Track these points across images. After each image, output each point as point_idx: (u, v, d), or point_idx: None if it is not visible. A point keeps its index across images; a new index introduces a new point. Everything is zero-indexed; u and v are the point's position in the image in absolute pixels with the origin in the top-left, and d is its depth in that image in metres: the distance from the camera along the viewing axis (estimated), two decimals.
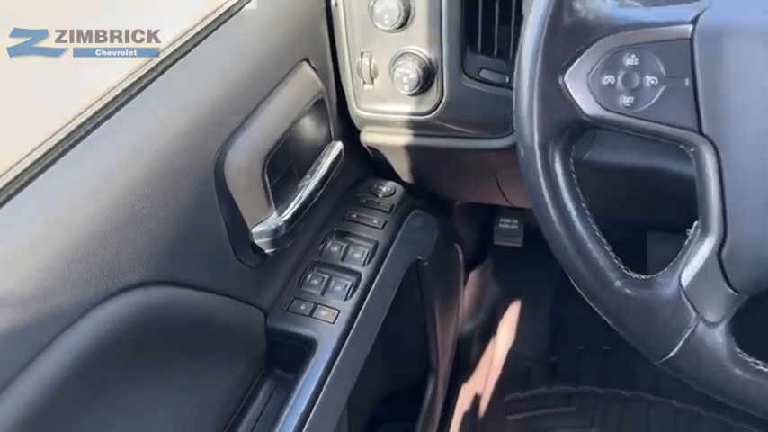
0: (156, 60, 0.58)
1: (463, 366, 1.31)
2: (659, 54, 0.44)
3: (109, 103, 0.52)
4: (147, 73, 0.56)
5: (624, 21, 0.44)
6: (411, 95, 0.71)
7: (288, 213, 0.64)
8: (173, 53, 0.59)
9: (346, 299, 0.72)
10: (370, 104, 0.75)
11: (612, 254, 0.49)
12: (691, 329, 0.47)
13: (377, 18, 0.67)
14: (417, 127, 0.76)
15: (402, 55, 0.69)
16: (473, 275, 1.35)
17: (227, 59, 0.61)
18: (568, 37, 0.45)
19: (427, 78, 0.70)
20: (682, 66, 0.43)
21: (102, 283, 0.45)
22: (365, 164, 0.88)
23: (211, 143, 0.56)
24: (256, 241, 0.62)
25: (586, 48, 0.45)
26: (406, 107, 0.73)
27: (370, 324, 0.75)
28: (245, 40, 0.64)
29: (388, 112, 0.75)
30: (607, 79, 0.45)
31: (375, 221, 0.81)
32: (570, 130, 0.47)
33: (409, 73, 0.69)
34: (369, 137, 0.81)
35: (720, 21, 0.43)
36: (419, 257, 0.88)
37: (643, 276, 0.48)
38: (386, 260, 0.79)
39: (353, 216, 0.82)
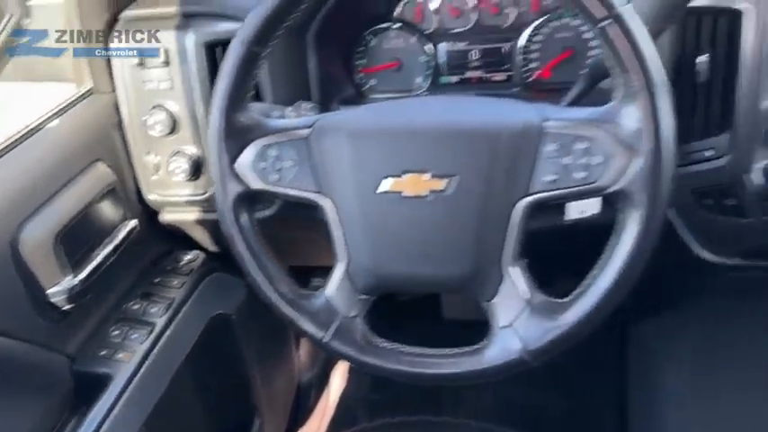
0: None
1: (302, 412, 1.49)
2: (291, 147, 0.69)
3: None
4: None
5: (269, 127, 0.69)
6: (188, 182, 0.94)
7: (81, 275, 0.84)
8: None
9: (141, 343, 0.91)
10: (159, 190, 0.97)
11: (288, 278, 0.72)
12: (337, 323, 0.70)
13: (150, 128, 0.91)
14: (200, 205, 0.99)
15: (176, 153, 0.93)
16: None
17: (27, 163, 0.82)
18: (236, 138, 0.69)
19: (197, 169, 0.93)
20: (305, 153, 0.68)
21: None
22: (172, 238, 1.09)
23: (6, 226, 0.76)
24: (52, 299, 0.81)
25: (247, 144, 0.69)
26: (186, 191, 0.96)
27: (165, 363, 0.94)
28: (44, 149, 0.86)
29: (174, 195, 0.97)
30: (262, 165, 0.69)
31: (175, 283, 1.02)
32: (247, 198, 0.71)
33: (182, 165, 0.92)
34: (167, 216, 1.03)
35: (325, 125, 0.68)
36: (222, 311, 1.09)
37: (307, 291, 0.72)
38: (181, 312, 0.99)
39: (157, 280, 1.02)
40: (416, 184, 0.64)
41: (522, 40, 0.95)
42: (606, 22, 0.56)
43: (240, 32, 0.65)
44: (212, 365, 1.09)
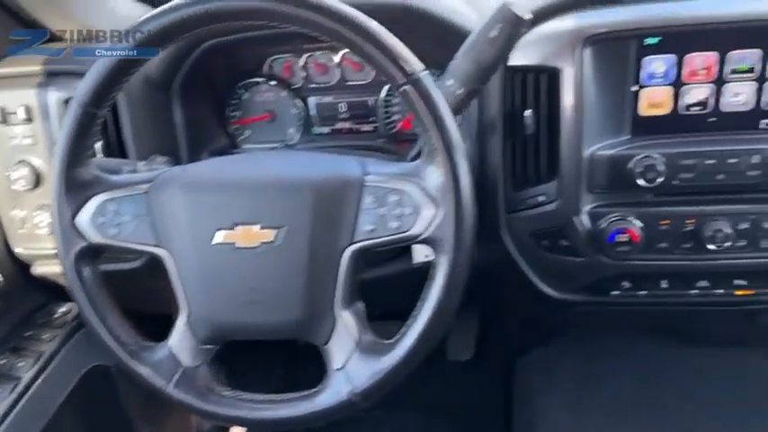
0: None
1: None
2: (131, 201, 0.71)
3: None
4: None
5: (110, 182, 0.72)
6: (53, 235, 0.94)
7: None
8: None
9: (4, 399, 0.90)
10: (26, 244, 0.97)
11: (132, 330, 0.73)
12: (180, 372, 0.71)
13: (14, 183, 0.92)
14: None
15: (41, 206, 0.94)
16: None
17: None
18: (76, 193, 0.71)
19: None
20: (144, 207, 0.71)
21: None
22: (48, 291, 1.08)
23: None
24: None
25: (88, 200, 0.71)
26: (52, 244, 0.95)
27: (31, 419, 0.92)
28: None
29: (41, 248, 0.97)
30: (101, 219, 0.71)
31: (46, 336, 1.01)
32: (89, 252, 0.72)
33: (47, 219, 0.93)
34: (38, 269, 1.02)
35: (164, 179, 0.71)
36: (99, 363, 1.08)
37: (151, 343, 0.73)
38: (50, 366, 0.98)
39: (28, 334, 1.01)
40: (248, 236, 0.67)
41: (382, 94, 1.02)
42: (406, 87, 0.62)
43: (77, 93, 0.68)
44: (92, 419, 1.08)
